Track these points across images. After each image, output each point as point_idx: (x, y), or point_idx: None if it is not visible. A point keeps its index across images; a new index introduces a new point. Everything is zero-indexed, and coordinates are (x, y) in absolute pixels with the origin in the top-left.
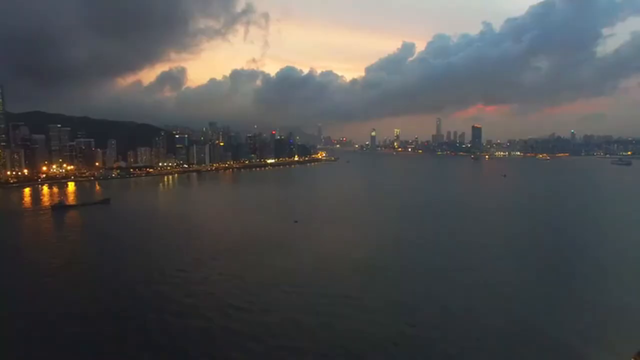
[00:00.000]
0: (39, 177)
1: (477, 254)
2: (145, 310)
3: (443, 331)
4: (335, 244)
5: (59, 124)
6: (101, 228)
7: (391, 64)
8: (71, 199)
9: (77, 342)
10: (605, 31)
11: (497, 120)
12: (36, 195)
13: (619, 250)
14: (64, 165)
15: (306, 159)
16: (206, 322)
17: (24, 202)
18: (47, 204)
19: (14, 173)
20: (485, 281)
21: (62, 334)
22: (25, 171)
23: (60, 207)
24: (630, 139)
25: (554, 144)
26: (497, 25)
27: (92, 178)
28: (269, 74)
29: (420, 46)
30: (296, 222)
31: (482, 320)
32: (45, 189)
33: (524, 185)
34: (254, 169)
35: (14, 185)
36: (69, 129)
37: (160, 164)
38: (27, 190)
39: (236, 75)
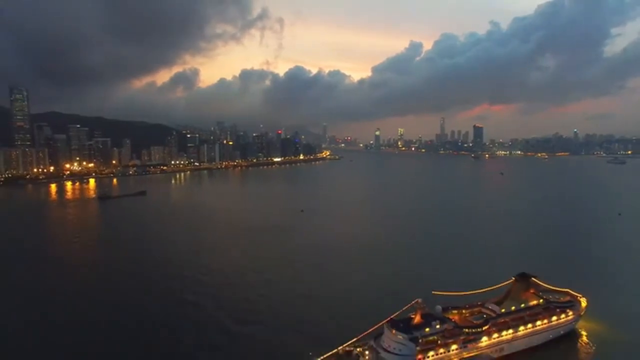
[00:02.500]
0: (64, 174)
1: (459, 246)
2: (193, 266)
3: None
4: (334, 228)
5: (74, 124)
6: (145, 212)
7: (398, 63)
8: (112, 191)
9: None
10: (614, 31)
11: (502, 120)
12: (68, 190)
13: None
14: (84, 163)
15: (311, 157)
16: (227, 279)
17: (64, 195)
18: (92, 195)
19: (40, 170)
20: (457, 263)
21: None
22: (52, 168)
23: (105, 198)
24: (634, 138)
25: (554, 144)
26: (505, 24)
27: (112, 175)
28: (277, 74)
29: (427, 45)
30: (302, 211)
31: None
32: (69, 184)
33: (520, 181)
34: (261, 167)
35: (43, 181)
36: (87, 129)
37: (172, 162)
38: (53, 186)
39: (245, 75)
